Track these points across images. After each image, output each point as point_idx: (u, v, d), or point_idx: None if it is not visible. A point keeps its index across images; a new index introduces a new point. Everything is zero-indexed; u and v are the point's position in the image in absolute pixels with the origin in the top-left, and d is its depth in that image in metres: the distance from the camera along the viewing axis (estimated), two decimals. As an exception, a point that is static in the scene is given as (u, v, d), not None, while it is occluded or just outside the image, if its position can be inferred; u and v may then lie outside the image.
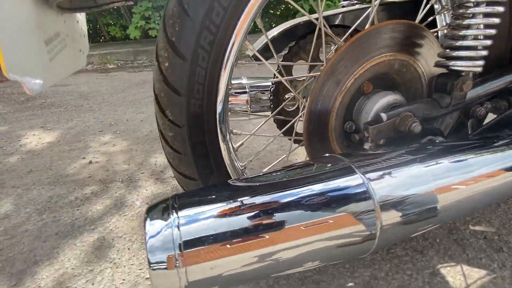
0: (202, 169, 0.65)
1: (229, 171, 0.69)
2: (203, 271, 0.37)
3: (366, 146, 0.70)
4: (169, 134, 0.59)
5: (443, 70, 0.65)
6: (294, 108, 0.93)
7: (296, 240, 0.39)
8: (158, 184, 1.50)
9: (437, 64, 0.65)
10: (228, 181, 0.50)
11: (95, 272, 1.02)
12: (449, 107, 0.63)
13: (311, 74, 0.75)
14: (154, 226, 0.38)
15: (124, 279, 0.98)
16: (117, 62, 4.77)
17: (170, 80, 0.54)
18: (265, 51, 0.81)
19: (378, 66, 0.63)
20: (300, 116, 0.85)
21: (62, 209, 1.36)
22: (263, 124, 0.90)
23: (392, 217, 0.42)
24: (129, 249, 1.10)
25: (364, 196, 0.41)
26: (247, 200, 0.40)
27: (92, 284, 0.97)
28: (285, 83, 0.69)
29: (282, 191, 0.42)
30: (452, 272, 0.93)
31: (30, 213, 1.34)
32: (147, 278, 0.98)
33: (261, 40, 0.80)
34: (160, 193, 1.41)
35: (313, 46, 0.75)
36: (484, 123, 0.74)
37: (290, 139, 0.93)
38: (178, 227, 0.37)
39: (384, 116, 0.61)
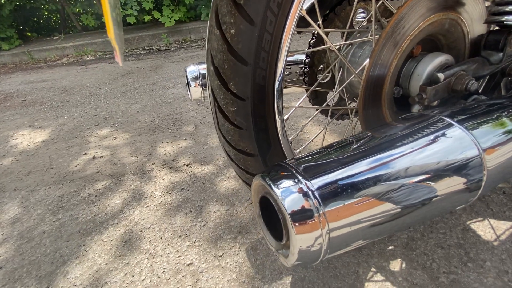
0: (261, 144, 0.63)
1: (283, 145, 0.68)
2: (342, 229, 0.36)
3: (415, 109, 0.71)
4: (230, 109, 0.56)
5: (488, 28, 0.66)
6: (327, 80, 0.91)
7: (416, 194, 0.39)
8: (173, 172, 1.46)
9: (488, 21, 0.66)
10: (324, 146, 0.49)
11: (132, 264, 0.99)
12: (500, 63, 0.64)
13: (361, 39, 0.73)
14: (287, 191, 0.36)
15: (164, 268, 0.96)
16: (94, 54, 4.49)
17: (237, 49, 0.50)
18: (301, 21, 0.78)
19: (431, 26, 0.63)
20: (338, 88, 0.84)
21: (77, 206, 1.29)
22: (305, 96, 0.88)
23: (496, 160, 0.43)
24: (161, 238, 1.08)
25: (468, 144, 0.42)
26: (364, 157, 0.40)
27: (132, 276, 0.94)
28: (335, 50, 0.67)
29: (393, 149, 0.41)
30: (481, 227, 0.98)
31: (42, 214, 1.26)
32: (188, 265, 0.97)
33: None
34: (179, 181, 1.37)
35: (353, 11, 0.73)
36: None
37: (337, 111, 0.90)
38: (312, 190, 0.36)
39: (441, 76, 0.61)
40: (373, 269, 0.88)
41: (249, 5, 0.48)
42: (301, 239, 0.36)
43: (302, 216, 0.36)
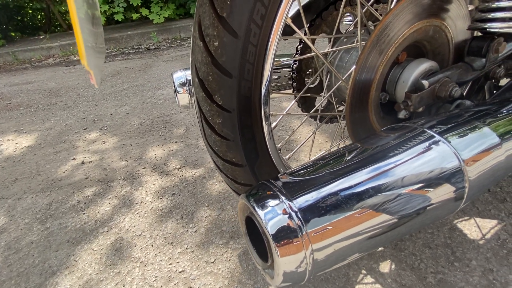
0: (249, 154, 0.62)
1: (271, 153, 0.68)
2: (326, 249, 0.36)
3: (401, 115, 0.72)
4: (217, 121, 0.55)
5: (472, 34, 0.67)
6: (315, 84, 0.91)
7: (400, 208, 0.40)
8: (164, 177, 1.45)
9: (471, 28, 0.66)
10: (312, 160, 0.49)
11: (123, 273, 0.98)
12: (483, 69, 0.65)
13: (347, 46, 0.73)
14: (270, 213, 0.36)
15: (156, 276, 0.95)
16: (81, 53, 4.38)
17: (221, 61, 0.50)
18: (287, 27, 0.77)
19: (416, 33, 0.63)
20: (327, 93, 0.84)
21: (66, 215, 1.27)
22: (293, 103, 0.88)
23: (477, 170, 0.44)
24: (152, 245, 1.07)
25: (449, 155, 0.42)
26: (346, 174, 0.40)
27: (124, 286, 0.94)
28: (320, 56, 0.66)
29: (375, 164, 0.42)
30: (468, 225, 1.01)
31: (30, 224, 1.24)
32: (180, 272, 0.96)
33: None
34: (170, 186, 1.36)
35: (339, 17, 0.73)
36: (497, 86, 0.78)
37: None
38: (295, 210, 0.36)
39: (426, 83, 0.62)
40: (363, 271, 0.89)
41: (232, 17, 0.47)
42: (285, 262, 0.36)
43: (285, 238, 0.35)
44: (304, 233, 0.36)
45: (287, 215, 0.36)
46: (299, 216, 0.37)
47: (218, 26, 0.47)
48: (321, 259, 0.38)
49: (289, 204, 0.37)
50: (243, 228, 0.45)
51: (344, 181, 0.40)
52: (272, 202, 0.38)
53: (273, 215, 0.37)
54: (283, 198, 0.38)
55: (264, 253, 0.40)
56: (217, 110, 0.54)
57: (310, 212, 0.37)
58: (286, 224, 0.36)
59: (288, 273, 0.37)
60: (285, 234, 0.36)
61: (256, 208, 0.38)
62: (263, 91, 0.58)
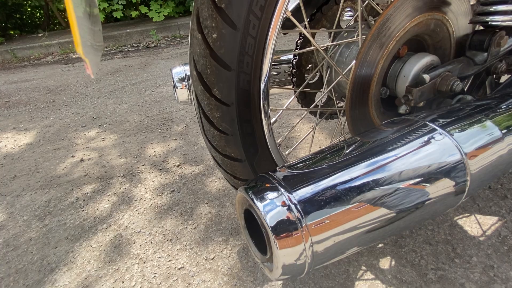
0: (248, 149, 0.62)
1: (270, 148, 0.67)
2: (326, 242, 0.36)
3: (402, 110, 0.71)
4: (215, 115, 0.55)
5: (474, 28, 0.66)
6: (315, 80, 0.91)
7: (401, 201, 0.39)
8: (163, 174, 1.44)
9: (473, 21, 0.65)
10: (312, 153, 0.49)
11: (122, 270, 0.97)
12: (485, 63, 0.64)
13: (348, 40, 0.73)
14: (269, 206, 0.35)
15: (155, 273, 0.95)
16: (81, 51, 4.36)
17: (219, 54, 0.49)
18: (287, 21, 0.77)
19: (417, 27, 0.62)
20: (326, 89, 0.83)
21: (65, 212, 1.27)
22: (293, 98, 0.87)
23: (479, 163, 0.43)
24: (151, 242, 1.06)
25: (450, 149, 0.42)
26: (346, 166, 0.39)
27: (123, 283, 0.93)
28: (320, 50, 0.66)
29: (376, 157, 0.41)
30: (468, 222, 1.00)
31: (29, 221, 1.23)
32: (179, 269, 0.96)
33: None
34: (169, 183, 1.36)
35: (339, 11, 0.72)
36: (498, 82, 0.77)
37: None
38: (294, 203, 0.35)
39: (427, 77, 0.61)
40: (363, 268, 0.88)
41: (231, 8, 0.46)
42: (284, 255, 0.35)
43: (284, 231, 0.35)
44: (303, 225, 0.35)
45: (286, 207, 0.36)
46: (299, 208, 0.36)
47: (216, 17, 0.47)
48: (321, 252, 0.37)
49: (288, 196, 0.37)
50: (241, 221, 0.44)
51: (344, 174, 0.39)
52: (271, 194, 0.37)
53: (272, 207, 0.36)
54: (282, 190, 0.38)
55: (263, 246, 0.40)
56: (215, 103, 0.54)
57: (309, 205, 0.36)
58: (285, 217, 0.35)
59: (287, 265, 0.36)
60: (284, 226, 0.35)
61: (255, 200, 0.37)
62: (262, 85, 0.57)
